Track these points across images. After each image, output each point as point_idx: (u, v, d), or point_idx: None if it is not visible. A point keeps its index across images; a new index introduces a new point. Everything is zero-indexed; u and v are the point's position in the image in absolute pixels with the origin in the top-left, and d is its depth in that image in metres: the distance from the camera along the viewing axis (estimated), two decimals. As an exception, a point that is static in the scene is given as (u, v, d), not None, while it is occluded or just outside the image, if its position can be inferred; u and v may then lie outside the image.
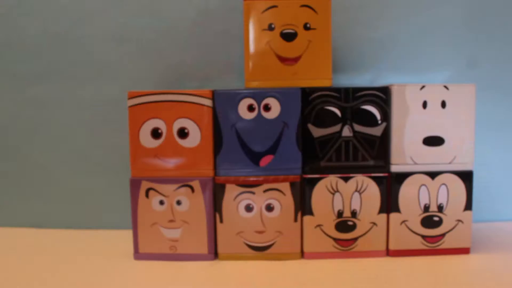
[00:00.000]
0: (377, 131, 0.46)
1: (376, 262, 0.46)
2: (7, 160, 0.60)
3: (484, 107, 0.55)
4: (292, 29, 0.47)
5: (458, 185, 0.46)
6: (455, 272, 0.43)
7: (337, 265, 0.45)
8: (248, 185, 0.46)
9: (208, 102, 0.45)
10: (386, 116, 0.46)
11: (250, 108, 0.45)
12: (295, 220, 0.46)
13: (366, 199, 0.46)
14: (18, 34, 0.57)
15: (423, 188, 0.46)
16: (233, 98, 0.45)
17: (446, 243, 0.47)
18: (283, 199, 0.46)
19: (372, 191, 0.46)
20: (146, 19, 0.56)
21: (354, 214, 0.46)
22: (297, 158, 0.46)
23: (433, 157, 0.46)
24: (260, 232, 0.46)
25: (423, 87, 0.45)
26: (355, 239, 0.47)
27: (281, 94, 0.45)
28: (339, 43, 0.56)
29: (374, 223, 0.46)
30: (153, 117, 0.46)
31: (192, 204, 0.46)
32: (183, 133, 0.46)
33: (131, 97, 0.46)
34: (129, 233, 0.49)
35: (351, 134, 0.46)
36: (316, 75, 0.47)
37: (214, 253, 0.47)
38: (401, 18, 0.56)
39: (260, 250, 0.47)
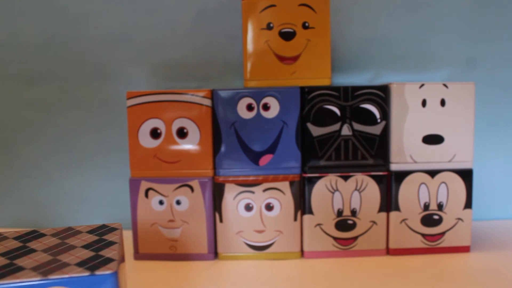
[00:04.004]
0: (376, 129, 0.46)
1: (376, 261, 0.46)
2: (6, 161, 0.59)
3: (484, 105, 0.55)
4: (290, 28, 0.47)
5: (458, 183, 0.46)
6: (455, 271, 0.43)
7: (337, 264, 0.45)
8: (248, 184, 0.46)
9: (207, 102, 0.45)
10: (386, 114, 0.46)
11: (249, 108, 0.45)
12: (295, 219, 0.46)
13: (365, 197, 0.46)
14: (17, 35, 0.57)
15: (422, 186, 0.46)
16: (232, 97, 0.45)
17: (446, 241, 0.47)
18: (282, 198, 0.46)
19: (372, 189, 0.46)
20: (145, 19, 0.56)
21: (354, 213, 0.46)
22: (297, 157, 0.46)
23: (432, 156, 0.46)
24: (260, 232, 0.46)
25: (422, 85, 0.45)
26: (355, 238, 0.47)
27: (280, 93, 0.45)
28: (338, 42, 0.56)
29: (374, 222, 0.46)
30: (152, 117, 0.46)
31: (191, 204, 0.46)
32: (182, 133, 0.46)
33: (130, 97, 0.46)
34: (129, 233, 0.49)
35: (350, 133, 0.46)
36: (315, 74, 0.47)
37: (214, 253, 0.47)
38: (400, 16, 0.56)
39: (260, 250, 0.47)
